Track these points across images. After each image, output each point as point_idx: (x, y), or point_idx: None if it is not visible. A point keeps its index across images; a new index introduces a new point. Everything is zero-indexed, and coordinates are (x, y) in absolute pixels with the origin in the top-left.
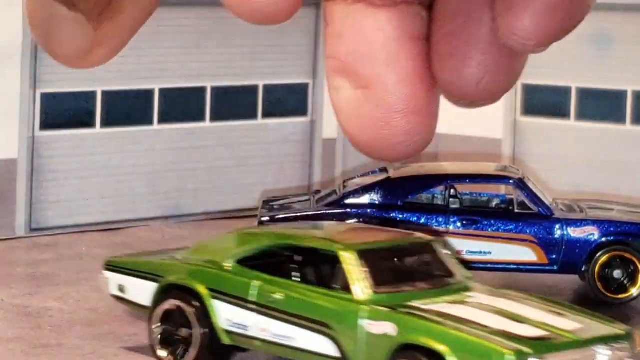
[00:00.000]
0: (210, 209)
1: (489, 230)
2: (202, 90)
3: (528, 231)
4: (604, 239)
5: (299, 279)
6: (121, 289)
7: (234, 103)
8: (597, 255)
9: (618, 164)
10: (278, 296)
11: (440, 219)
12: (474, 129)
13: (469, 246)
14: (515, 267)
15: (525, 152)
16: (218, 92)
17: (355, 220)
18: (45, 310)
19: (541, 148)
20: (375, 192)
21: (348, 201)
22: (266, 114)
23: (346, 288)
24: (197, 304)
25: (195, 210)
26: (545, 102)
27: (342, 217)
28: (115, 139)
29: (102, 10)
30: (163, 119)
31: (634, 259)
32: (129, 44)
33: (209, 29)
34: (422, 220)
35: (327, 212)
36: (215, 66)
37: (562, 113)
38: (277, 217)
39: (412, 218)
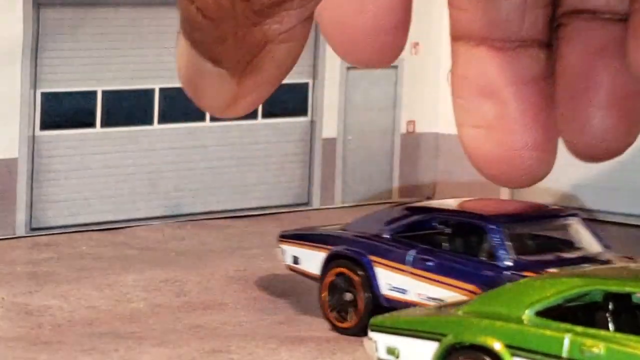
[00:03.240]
0: (210, 209)
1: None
2: None
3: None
4: None
5: (613, 329)
6: (391, 351)
7: None
8: None
9: (617, 163)
10: (597, 350)
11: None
12: None
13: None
14: None
15: None
16: None
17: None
18: (46, 308)
19: None
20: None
21: (349, 227)
22: (266, 114)
23: None
24: None
25: (195, 210)
26: None
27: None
28: (115, 138)
29: (244, 68)
30: (163, 119)
31: None
32: (129, 44)
33: None
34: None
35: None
36: None
37: None
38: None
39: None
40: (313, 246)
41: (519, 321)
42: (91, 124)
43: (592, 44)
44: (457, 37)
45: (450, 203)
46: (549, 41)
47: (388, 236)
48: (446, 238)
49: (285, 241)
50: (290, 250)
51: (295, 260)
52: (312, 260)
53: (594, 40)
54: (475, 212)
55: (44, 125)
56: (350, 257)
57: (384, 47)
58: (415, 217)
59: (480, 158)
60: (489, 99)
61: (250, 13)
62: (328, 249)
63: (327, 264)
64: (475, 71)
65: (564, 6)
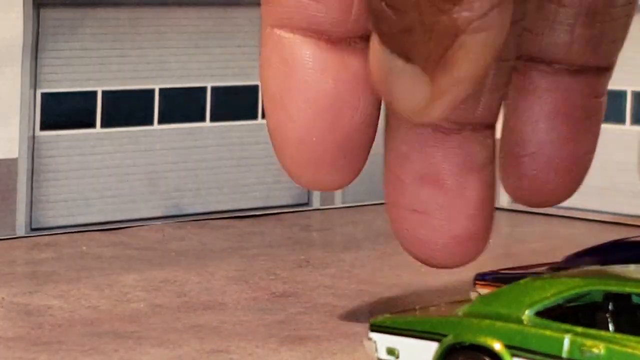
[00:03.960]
0: (210, 209)
1: None
2: (202, 90)
3: None
4: None
5: (613, 330)
6: (392, 352)
7: (234, 103)
8: None
9: (618, 164)
10: (597, 350)
11: None
12: None
13: None
14: None
15: None
16: (218, 92)
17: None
18: (46, 308)
19: None
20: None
21: (558, 265)
22: None
23: None
24: None
25: (195, 210)
26: None
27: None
28: (115, 138)
29: (436, 64)
30: (163, 119)
31: None
32: (129, 44)
33: (209, 29)
34: None
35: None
36: (215, 66)
37: None
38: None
39: None
40: None
41: (519, 321)
42: (91, 124)
43: (546, 106)
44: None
45: None
46: (496, 120)
47: None
48: None
49: (483, 284)
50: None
51: None
52: None
53: (548, 102)
54: None
55: (44, 126)
56: None
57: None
58: None
59: (413, 243)
60: (430, 185)
61: None
62: None
63: None
64: (418, 154)
65: (521, 50)
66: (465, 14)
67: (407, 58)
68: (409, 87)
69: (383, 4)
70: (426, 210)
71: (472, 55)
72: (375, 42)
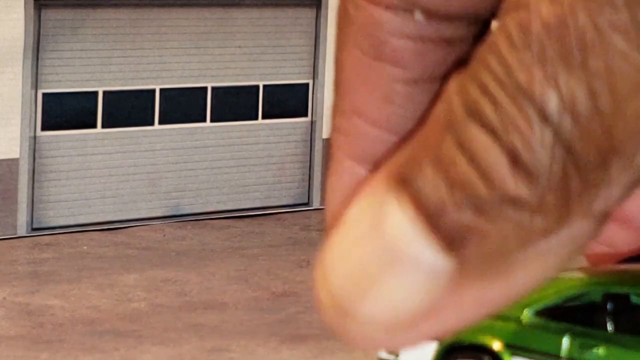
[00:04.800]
0: (210, 209)
1: None
2: (202, 90)
3: None
4: None
5: (612, 329)
6: (392, 350)
7: (234, 103)
8: None
9: None
10: (597, 350)
11: None
12: None
13: None
14: None
15: None
16: (218, 92)
17: None
18: (47, 308)
19: None
20: None
21: None
22: (266, 114)
23: None
24: None
25: (196, 210)
26: None
27: None
28: (116, 139)
29: (489, 265)
30: (164, 119)
31: None
32: (129, 45)
33: (209, 29)
34: None
35: None
36: (215, 66)
37: None
38: None
39: None
40: None
41: (518, 321)
42: (92, 124)
43: None
44: None
45: None
46: None
47: None
48: None
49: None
50: None
51: None
52: None
53: None
54: None
55: (45, 126)
56: None
57: None
58: None
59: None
60: (618, 222)
61: (574, 173)
62: None
63: None
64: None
65: None
66: (589, 205)
67: (456, 246)
68: (410, 289)
69: (508, 167)
70: (611, 245)
71: (539, 269)
72: (404, 215)
